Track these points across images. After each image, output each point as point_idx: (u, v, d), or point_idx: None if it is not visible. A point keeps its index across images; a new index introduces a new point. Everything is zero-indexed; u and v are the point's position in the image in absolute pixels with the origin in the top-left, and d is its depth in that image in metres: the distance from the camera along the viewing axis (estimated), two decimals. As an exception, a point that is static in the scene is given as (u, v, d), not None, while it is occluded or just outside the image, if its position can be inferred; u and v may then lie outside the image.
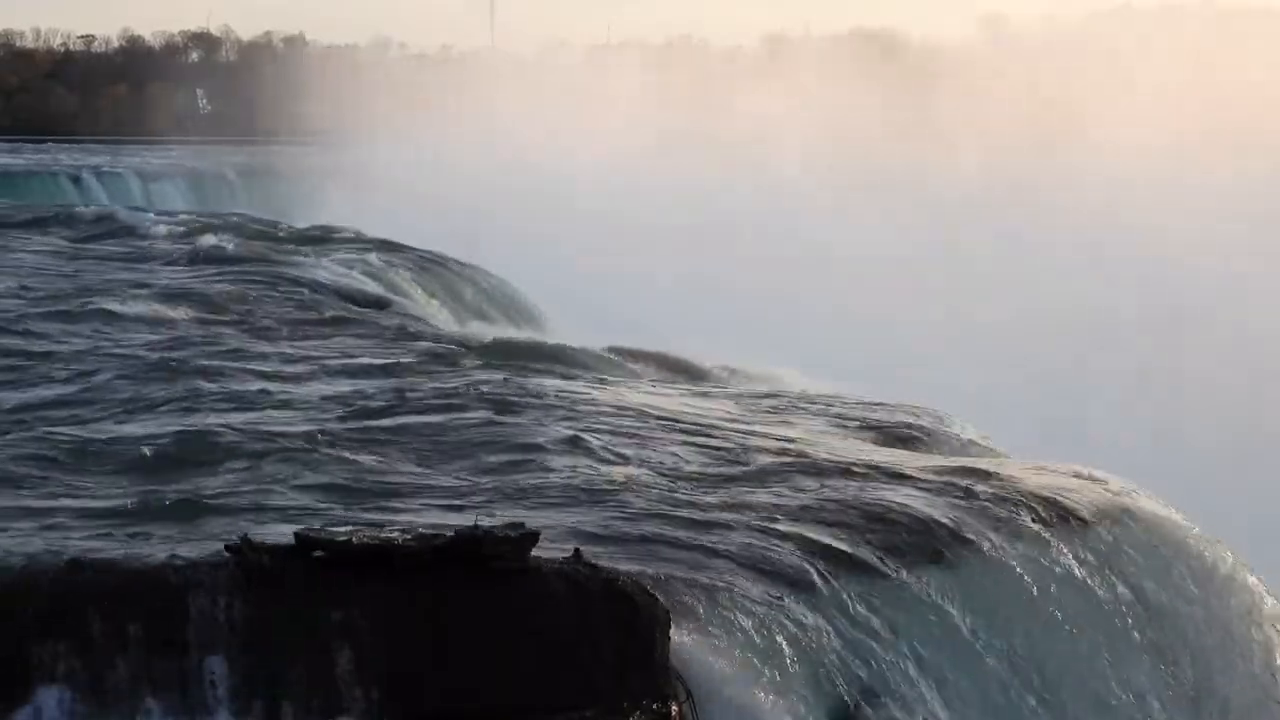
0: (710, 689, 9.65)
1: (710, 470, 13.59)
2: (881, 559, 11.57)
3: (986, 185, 63.86)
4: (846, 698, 10.24)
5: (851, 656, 10.53)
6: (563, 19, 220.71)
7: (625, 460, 13.79)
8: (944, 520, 12.33)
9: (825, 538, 11.70)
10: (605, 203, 58.40)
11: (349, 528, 10.05)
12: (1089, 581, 12.44)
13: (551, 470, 13.25)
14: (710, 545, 11.27)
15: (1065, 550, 12.52)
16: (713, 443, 14.83)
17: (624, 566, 10.15)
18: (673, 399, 17.37)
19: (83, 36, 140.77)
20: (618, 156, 67.00)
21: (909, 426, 16.59)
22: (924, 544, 11.91)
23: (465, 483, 12.74)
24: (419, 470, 13.08)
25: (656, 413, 16.24)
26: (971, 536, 12.18)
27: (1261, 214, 55.41)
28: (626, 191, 60.62)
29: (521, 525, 9.98)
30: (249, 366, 17.84)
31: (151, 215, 40.98)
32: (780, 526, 11.82)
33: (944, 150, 68.37)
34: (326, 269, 29.09)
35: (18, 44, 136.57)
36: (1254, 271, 49.67)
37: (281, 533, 10.00)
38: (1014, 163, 65.46)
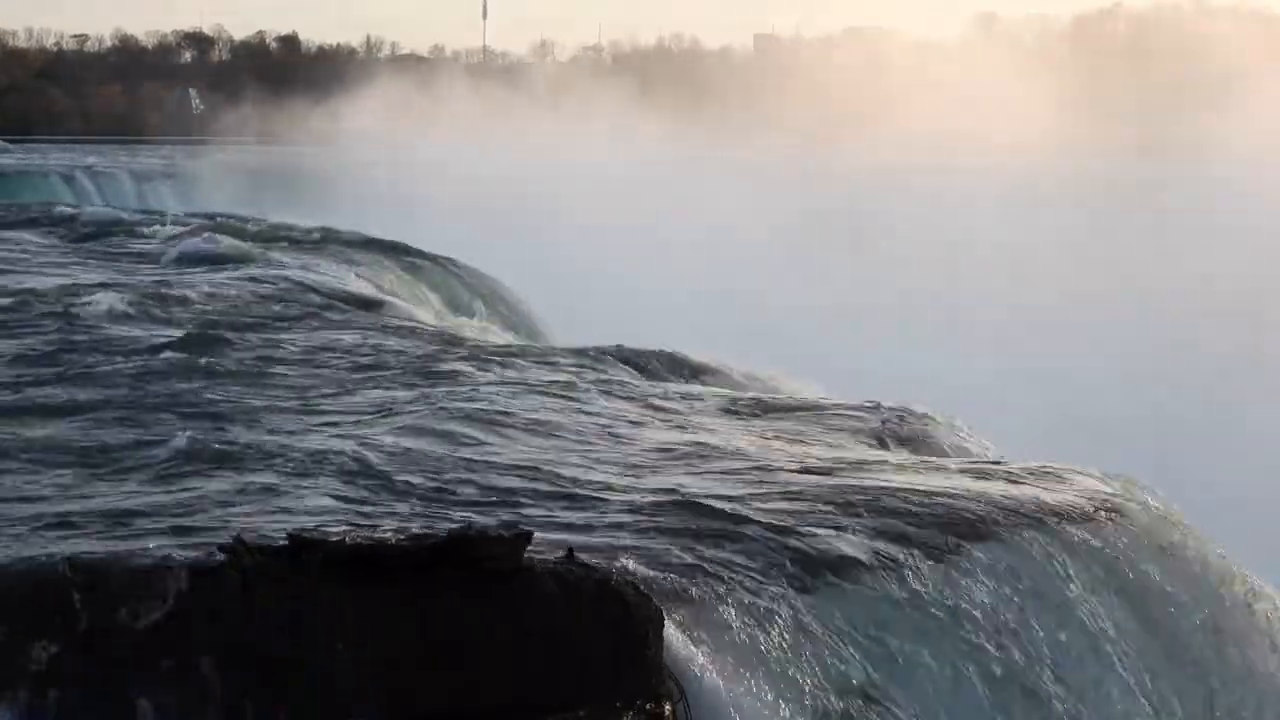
0: (704, 688, 9.61)
1: (702, 468, 13.57)
2: (879, 557, 11.54)
3: (981, 179, 64.07)
4: (842, 698, 10.20)
5: (849, 656, 10.49)
6: (554, 19, 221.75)
7: (617, 456, 13.78)
8: (946, 518, 12.30)
9: (820, 535, 11.67)
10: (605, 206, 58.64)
11: (343, 528, 10.02)
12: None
13: (544, 469, 13.22)
14: (705, 543, 11.24)
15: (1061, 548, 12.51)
16: (703, 441, 14.82)
17: (617, 565, 10.11)
18: (663, 397, 17.37)
19: (75, 36, 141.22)
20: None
21: (905, 424, 16.61)
22: (927, 541, 11.87)
23: (457, 483, 12.72)
24: (419, 472, 13.05)
25: (644, 409, 16.26)
26: (970, 534, 12.16)
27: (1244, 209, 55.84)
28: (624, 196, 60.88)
29: (515, 525, 9.93)
30: (243, 367, 17.82)
31: (144, 215, 41.04)
32: (774, 524, 11.79)
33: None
34: (321, 270, 29.10)
35: (10, 43, 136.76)
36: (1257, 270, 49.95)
37: (275, 533, 9.97)
38: (1012, 160, 65.66)
